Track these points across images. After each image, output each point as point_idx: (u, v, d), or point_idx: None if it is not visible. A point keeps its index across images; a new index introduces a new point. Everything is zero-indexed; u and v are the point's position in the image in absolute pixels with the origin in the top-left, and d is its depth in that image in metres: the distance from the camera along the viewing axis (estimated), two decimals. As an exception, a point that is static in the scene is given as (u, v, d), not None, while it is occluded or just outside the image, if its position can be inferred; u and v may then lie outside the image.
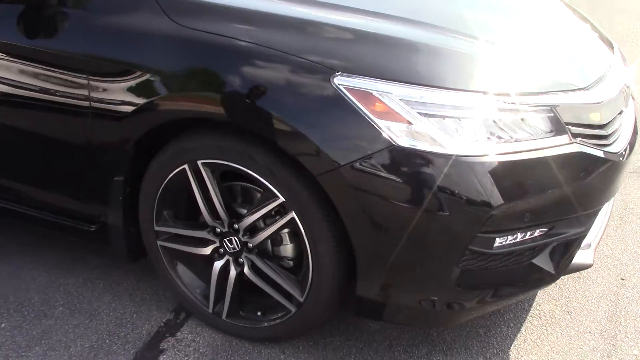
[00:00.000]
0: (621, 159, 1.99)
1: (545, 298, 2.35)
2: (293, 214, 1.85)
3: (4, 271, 2.48)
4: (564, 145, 1.81)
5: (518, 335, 2.18)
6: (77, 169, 2.15)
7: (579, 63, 2.12)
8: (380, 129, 1.68)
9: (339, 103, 1.70)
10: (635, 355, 2.11)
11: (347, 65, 1.73)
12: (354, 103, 1.69)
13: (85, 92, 1.99)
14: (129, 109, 1.93)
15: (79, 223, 2.26)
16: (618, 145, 2.02)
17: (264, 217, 1.94)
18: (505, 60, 1.93)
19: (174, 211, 2.11)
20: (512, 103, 1.76)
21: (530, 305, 2.32)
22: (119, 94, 1.95)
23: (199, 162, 1.93)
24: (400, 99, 1.69)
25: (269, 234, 1.94)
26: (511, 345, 2.13)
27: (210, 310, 2.14)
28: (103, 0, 1.99)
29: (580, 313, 2.29)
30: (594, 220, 2.04)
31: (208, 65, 1.84)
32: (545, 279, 1.97)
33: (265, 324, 2.07)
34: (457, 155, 1.68)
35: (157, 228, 2.11)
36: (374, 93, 1.70)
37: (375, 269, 1.82)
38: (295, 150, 1.75)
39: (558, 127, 1.81)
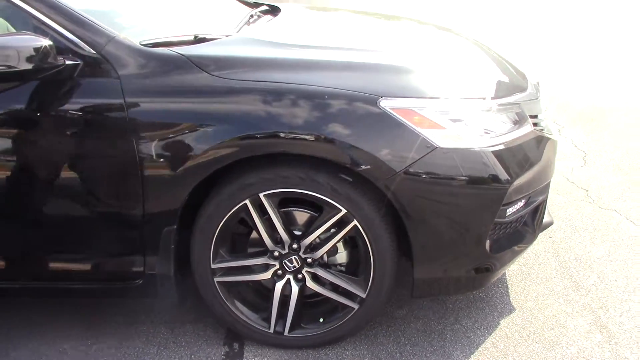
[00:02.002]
0: (555, 138, 2.64)
1: (510, 261, 2.92)
2: (355, 222, 2.18)
3: (23, 356, 2.41)
4: (530, 132, 2.39)
5: (510, 291, 2.71)
6: (124, 228, 2.24)
7: (509, 72, 2.74)
8: (424, 136, 2.10)
9: (388, 121, 2.09)
10: (593, 283, 2.75)
11: (385, 90, 2.14)
12: (400, 119, 2.09)
13: (133, 151, 2.12)
14: (185, 160, 2.10)
15: (119, 283, 2.33)
16: (549, 129, 2.66)
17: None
18: (481, 73, 2.48)
19: (227, 246, 2.30)
20: (501, 104, 2.30)
21: (503, 269, 2.86)
22: (171, 148, 2.12)
23: (261, 195, 2.17)
24: (434, 111, 2.13)
25: (333, 244, 2.24)
26: (510, 299, 2.65)
27: (272, 330, 2.35)
28: (142, 67, 2.15)
29: (539, 267, 2.90)
30: (548, 189, 2.66)
31: (264, 108, 2.09)
32: (531, 237, 2.52)
33: (329, 328, 2.34)
34: (482, 148, 2.16)
35: (213, 266, 2.28)
36: (414, 109, 2.12)
37: (429, 253, 2.21)
38: (357, 165, 2.09)
39: (524, 118, 2.38)
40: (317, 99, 2.10)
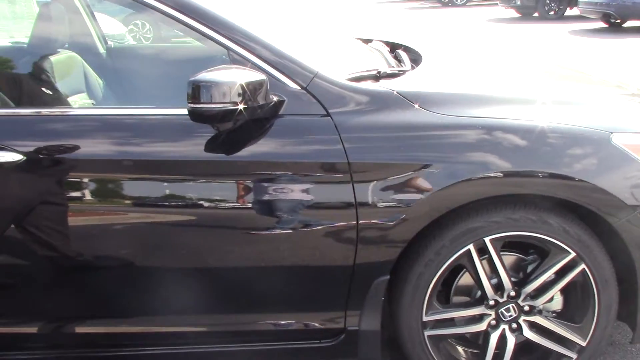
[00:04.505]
0: None
1: None
2: (583, 266, 2.05)
3: None
4: None
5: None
6: (328, 280, 2.05)
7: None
8: (659, 172, 2.01)
9: (620, 157, 2.00)
10: None
11: (613, 126, 2.04)
12: (633, 156, 2.00)
13: (350, 196, 1.94)
14: (408, 204, 1.94)
15: (312, 342, 2.12)
16: None
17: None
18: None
19: (436, 296, 2.12)
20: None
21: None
22: (393, 191, 1.95)
23: (487, 239, 2.01)
24: (660, 145, 2.05)
25: (557, 290, 2.10)
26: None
27: (483, 384, 2.17)
28: (352, 103, 1.99)
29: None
30: None
31: (494, 146, 1.96)
32: None
33: (544, 379, 2.18)
34: None
35: (425, 318, 2.09)
36: (643, 144, 2.03)
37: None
38: (593, 205, 1.98)
39: None
40: (549, 136, 1.99)
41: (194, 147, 1.97)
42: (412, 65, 2.48)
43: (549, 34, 12.59)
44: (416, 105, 2.00)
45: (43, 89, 2.71)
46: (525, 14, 16.00)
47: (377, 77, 2.21)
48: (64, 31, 3.19)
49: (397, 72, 2.32)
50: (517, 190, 1.99)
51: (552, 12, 15.52)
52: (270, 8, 2.86)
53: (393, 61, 2.57)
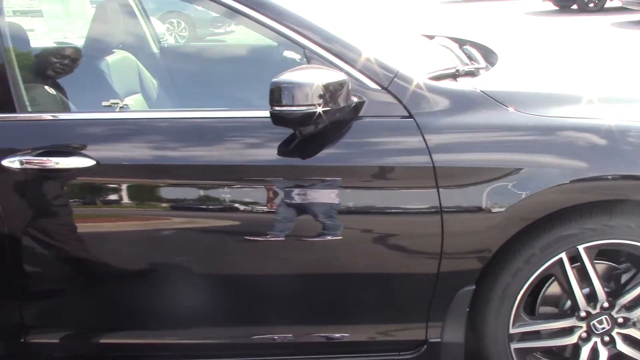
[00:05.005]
0: None
1: None
2: (685, 275, 1.92)
3: None
4: None
5: None
6: (410, 290, 1.95)
7: None
8: None
9: None
10: None
11: None
12: None
13: (435, 202, 1.83)
14: (498, 211, 1.83)
15: (390, 353, 2.03)
16: None
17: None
18: None
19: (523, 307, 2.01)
20: None
21: None
22: (481, 197, 1.83)
23: (580, 247, 1.89)
24: None
25: (656, 301, 1.97)
26: None
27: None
28: (436, 104, 1.88)
29: None
30: None
31: (596, 149, 1.84)
32: None
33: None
34: None
35: (512, 331, 1.98)
36: None
37: None
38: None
39: None
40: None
41: (266, 151, 1.89)
42: (486, 64, 2.36)
43: (590, 27, 12.26)
44: (509, 107, 1.88)
45: (99, 90, 2.66)
46: (563, 7, 15.62)
47: (456, 75, 2.09)
48: (118, 31, 3.14)
49: (473, 70, 2.20)
50: (620, 194, 1.86)
51: (591, 4, 15.11)
52: (325, 7, 2.76)
53: (465, 59, 2.45)
